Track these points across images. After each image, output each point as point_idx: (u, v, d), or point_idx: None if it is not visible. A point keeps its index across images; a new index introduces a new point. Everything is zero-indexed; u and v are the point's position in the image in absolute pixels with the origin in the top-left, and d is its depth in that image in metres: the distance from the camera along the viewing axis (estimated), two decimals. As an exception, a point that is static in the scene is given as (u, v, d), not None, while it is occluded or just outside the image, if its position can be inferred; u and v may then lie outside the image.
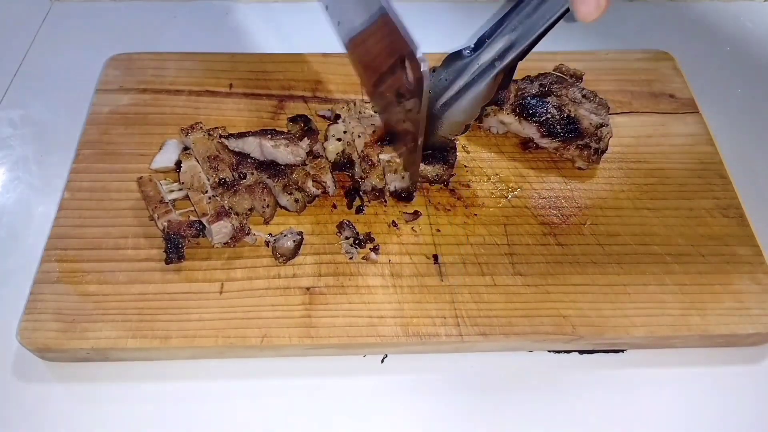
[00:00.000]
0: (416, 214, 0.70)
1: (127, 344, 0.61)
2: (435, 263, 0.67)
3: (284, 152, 0.69)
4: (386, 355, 0.64)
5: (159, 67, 0.83)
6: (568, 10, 0.60)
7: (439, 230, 0.70)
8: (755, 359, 0.65)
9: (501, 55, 0.66)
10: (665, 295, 0.65)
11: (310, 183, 0.69)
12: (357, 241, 0.68)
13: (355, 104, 0.76)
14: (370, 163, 0.70)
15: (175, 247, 0.65)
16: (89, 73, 0.85)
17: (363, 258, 0.67)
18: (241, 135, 0.71)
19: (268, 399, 0.62)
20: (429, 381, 0.63)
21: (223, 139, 0.71)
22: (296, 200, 0.69)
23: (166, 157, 0.73)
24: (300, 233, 0.68)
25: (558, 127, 0.73)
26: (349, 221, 0.69)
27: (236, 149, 0.71)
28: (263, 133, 0.71)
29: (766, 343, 0.66)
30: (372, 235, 0.69)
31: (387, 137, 0.71)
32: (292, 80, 0.82)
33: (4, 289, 0.68)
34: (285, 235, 0.68)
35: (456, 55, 0.69)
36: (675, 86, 0.83)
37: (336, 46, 0.87)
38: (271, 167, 0.70)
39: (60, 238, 0.67)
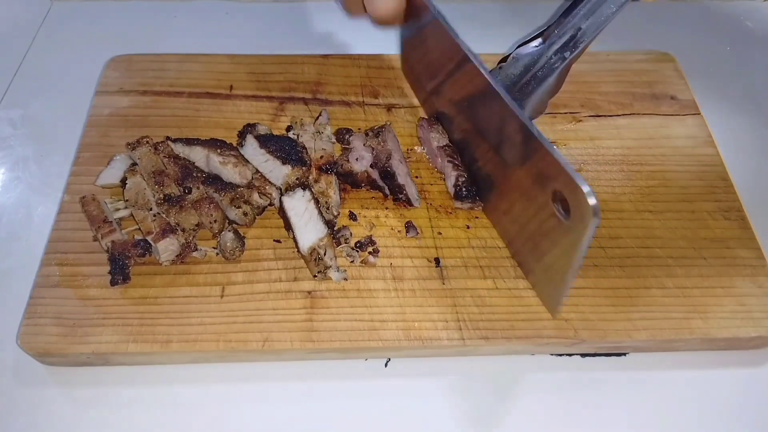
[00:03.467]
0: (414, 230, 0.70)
1: (127, 349, 0.61)
2: (437, 266, 0.67)
3: (231, 171, 0.68)
4: (389, 359, 0.64)
5: (159, 68, 0.83)
6: None
7: (440, 233, 0.69)
8: (757, 362, 0.65)
9: (572, 45, 0.63)
10: (667, 298, 0.65)
11: (256, 195, 0.68)
12: (358, 245, 0.68)
13: (316, 120, 0.76)
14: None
15: (120, 268, 0.64)
16: (89, 72, 0.84)
17: (362, 261, 0.67)
18: (190, 142, 0.70)
19: (270, 403, 0.62)
20: (431, 385, 0.63)
21: (170, 143, 0.70)
22: (245, 213, 0.68)
23: (113, 173, 0.71)
24: (230, 223, 0.68)
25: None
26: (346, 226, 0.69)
27: (182, 155, 0.70)
28: (213, 144, 0.70)
29: None
30: (373, 238, 0.68)
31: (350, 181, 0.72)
32: (293, 82, 0.82)
33: (4, 290, 0.68)
34: (223, 234, 0.67)
35: (523, 50, 0.66)
36: (676, 88, 0.83)
37: (336, 47, 0.88)
38: (217, 181, 0.69)
39: (60, 241, 0.67)
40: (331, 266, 0.65)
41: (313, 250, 0.64)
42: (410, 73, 0.82)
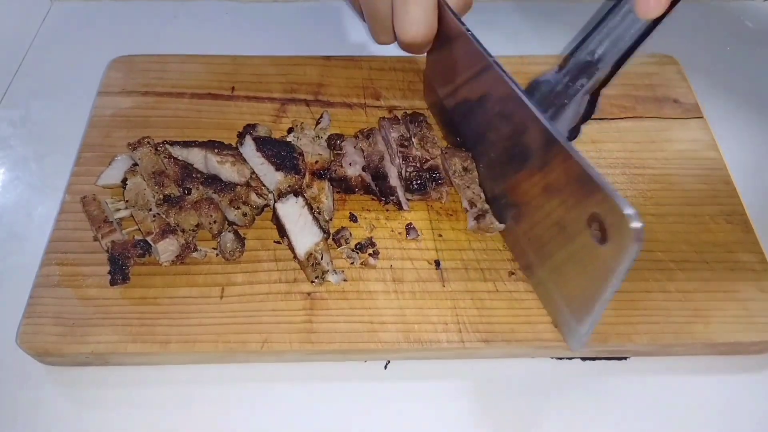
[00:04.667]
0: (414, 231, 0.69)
1: (127, 349, 0.60)
2: (437, 268, 0.67)
3: (229, 170, 0.68)
4: (389, 361, 0.64)
5: (161, 69, 0.83)
6: (660, 19, 0.56)
7: (440, 235, 0.69)
8: (759, 367, 0.65)
9: (588, 72, 0.60)
10: (669, 302, 0.65)
11: (253, 195, 0.68)
12: (358, 246, 0.68)
13: (318, 123, 0.76)
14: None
15: (120, 268, 0.63)
16: (89, 72, 0.84)
17: (362, 263, 0.67)
18: (187, 144, 0.70)
19: (269, 404, 0.61)
20: (431, 387, 0.63)
21: (167, 146, 0.70)
22: (244, 214, 0.67)
23: (113, 174, 0.71)
24: (230, 224, 0.68)
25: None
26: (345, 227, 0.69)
27: (180, 158, 0.70)
28: (210, 145, 0.70)
29: (770, 351, 0.66)
30: (373, 240, 0.68)
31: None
32: (295, 83, 0.82)
33: (4, 290, 0.68)
34: (223, 235, 0.66)
35: (540, 80, 0.64)
36: (679, 91, 0.83)
37: (339, 48, 0.87)
38: (216, 181, 0.68)
39: (60, 241, 0.67)
40: (328, 270, 0.64)
41: (310, 255, 0.64)
42: (434, 100, 0.79)
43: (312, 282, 0.64)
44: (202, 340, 0.61)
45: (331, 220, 0.69)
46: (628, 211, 0.47)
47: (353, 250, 0.67)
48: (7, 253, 0.71)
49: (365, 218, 0.70)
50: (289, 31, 0.95)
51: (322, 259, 0.64)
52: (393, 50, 0.85)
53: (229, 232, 0.66)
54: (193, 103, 0.80)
